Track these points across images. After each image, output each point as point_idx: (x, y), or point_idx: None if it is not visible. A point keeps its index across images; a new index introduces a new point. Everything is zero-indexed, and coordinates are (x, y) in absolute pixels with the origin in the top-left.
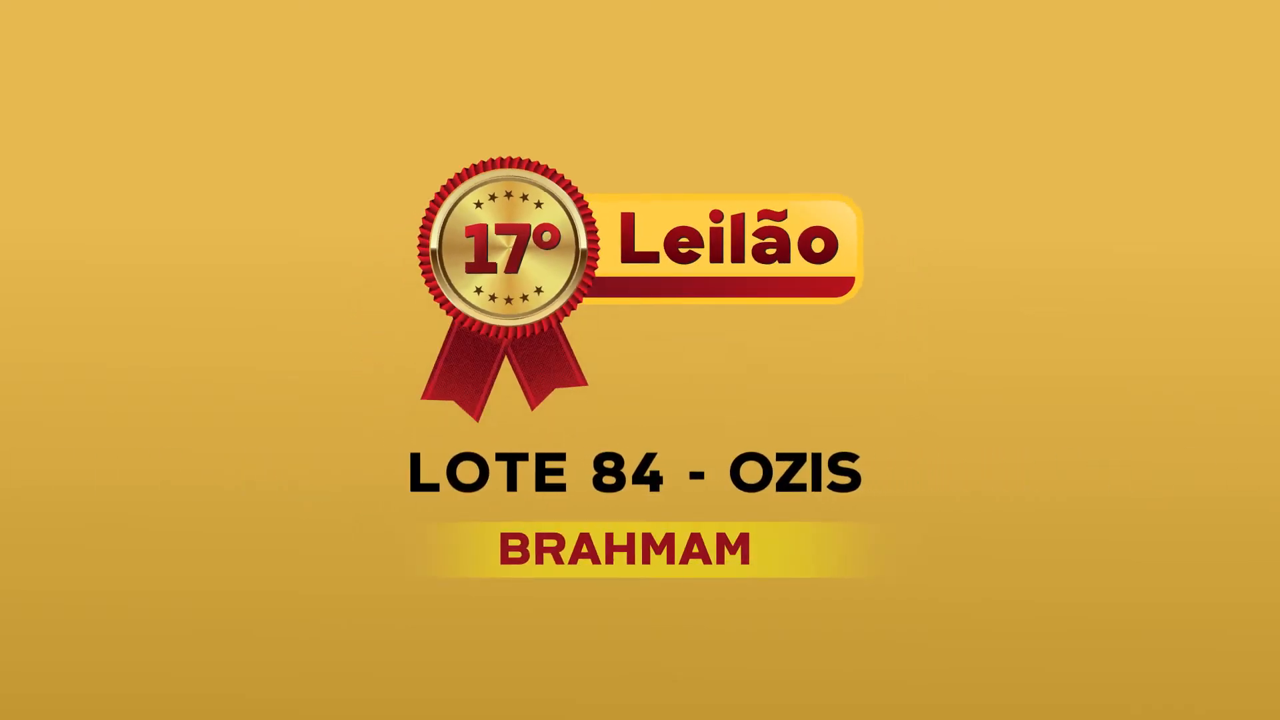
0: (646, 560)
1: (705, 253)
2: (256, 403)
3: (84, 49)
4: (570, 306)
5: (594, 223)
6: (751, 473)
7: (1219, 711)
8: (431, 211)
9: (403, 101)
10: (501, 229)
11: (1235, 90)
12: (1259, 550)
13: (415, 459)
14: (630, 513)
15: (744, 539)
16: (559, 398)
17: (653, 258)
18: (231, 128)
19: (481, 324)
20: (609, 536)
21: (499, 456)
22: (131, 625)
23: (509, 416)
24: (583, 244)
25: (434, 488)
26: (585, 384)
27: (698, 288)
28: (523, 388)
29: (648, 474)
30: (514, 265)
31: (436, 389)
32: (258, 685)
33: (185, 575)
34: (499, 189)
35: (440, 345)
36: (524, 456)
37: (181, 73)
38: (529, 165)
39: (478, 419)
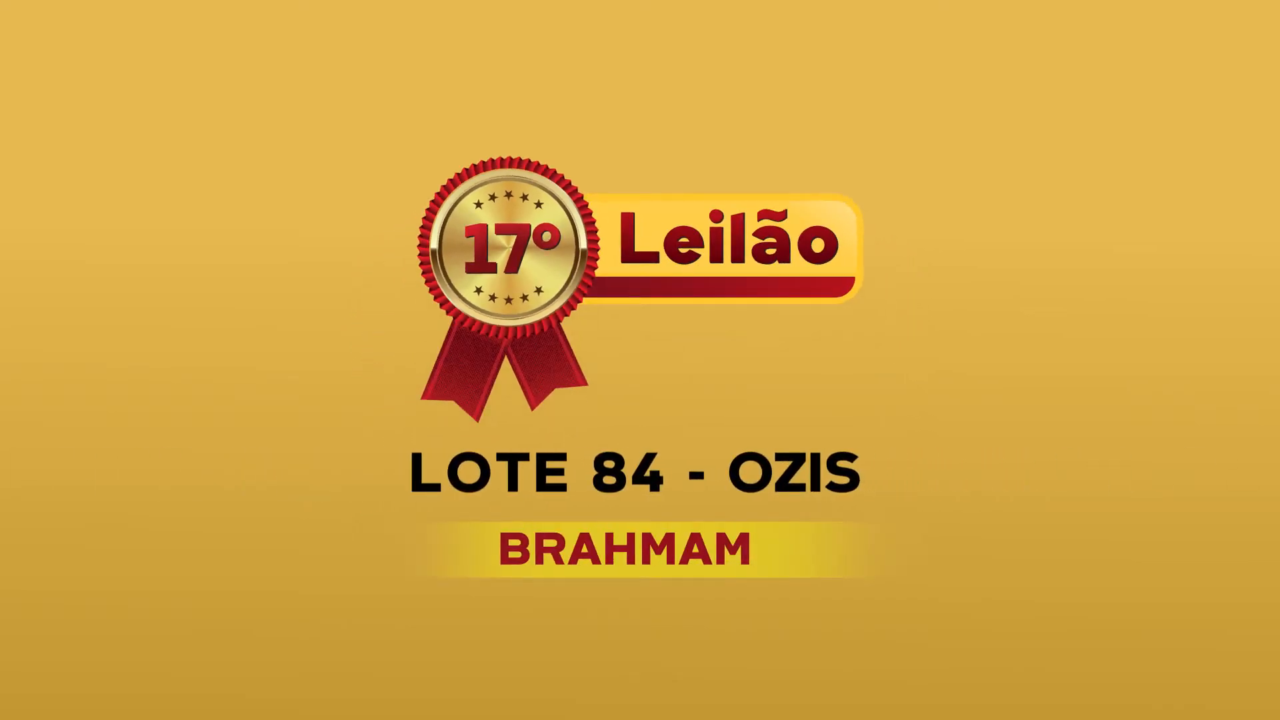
0: (646, 560)
1: (705, 253)
2: (256, 403)
3: (84, 49)
4: (570, 306)
5: (594, 223)
6: (751, 473)
7: (1219, 711)
8: (431, 211)
9: (403, 101)
10: (501, 229)
11: (1235, 90)
12: (1259, 550)
13: (416, 459)
14: (630, 513)
15: (744, 539)
16: (559, 398)
17: (653, 258)
18: (231, 128)
19: (481, 324)
20: (609, 536)
21: (500, 456)
22: (131, 625)
23: (509, 416)
24: (583, 244)
25: (435, 488)
26: (585, 384)
27: (698, 288)
28: (523, 388)
29: (648, 474)
30: (514, 265)
31: (437, 389)
32: (258, 685)
33: (185, 575)
34: (499, 189)
35: (440, 345)
36: (525, 456)
37: (181, 73)
38: (529, 165)
39: (478, 419)
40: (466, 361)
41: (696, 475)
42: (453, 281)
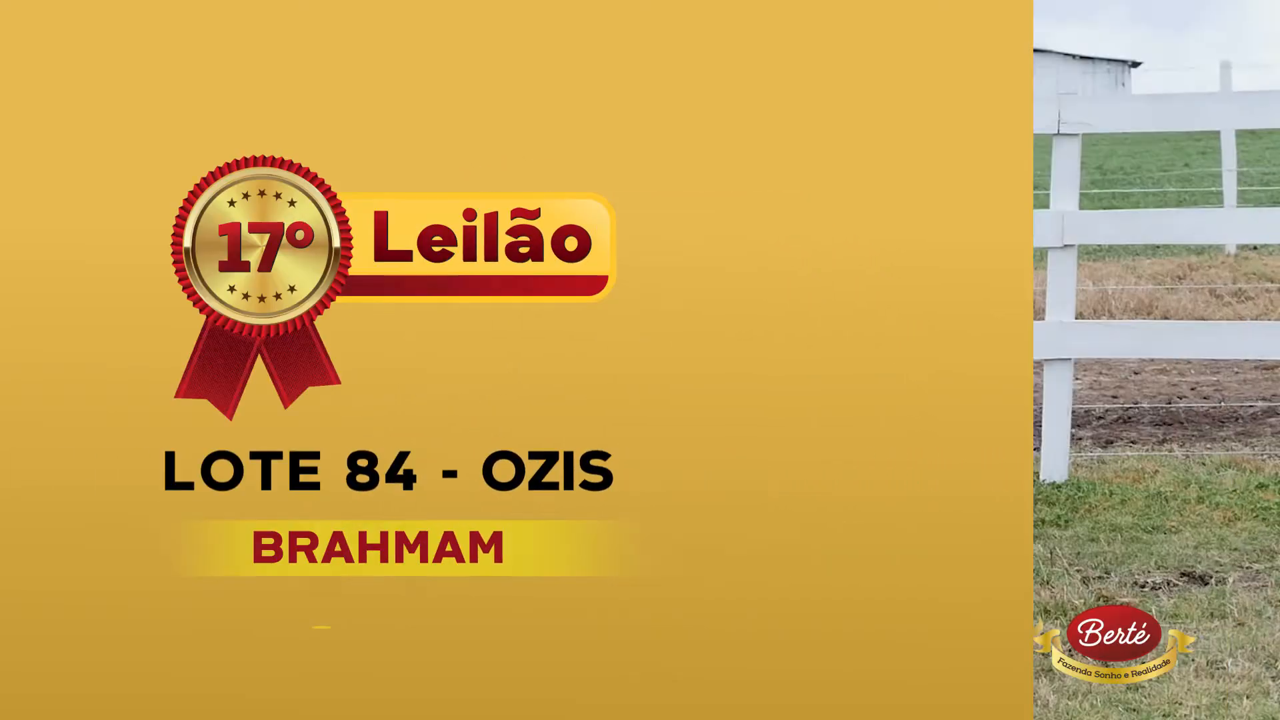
0: (400, 559)
1: (459, 251)
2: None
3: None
4: (323, 305)
5: (347, 221)
6: (504, 471)
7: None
8: (184, 211)
9: (154, 103)
10: (255, 228)
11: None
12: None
13: (170, 457)
14: (384, 511)
15: (497, 537)
16: (312, 396)
17: (406, 256)
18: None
19: (234, 322)
20: (362, 535)
21: (253, 455)
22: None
23: (263, 415)
24: (336, 243)
25: (189, 486)
26: (338, 382)
27: (452, 286)
28: (276, 386)
29: (401, 472)
30: (267, 264)
31: (190, 387)
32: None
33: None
34: (252, 187)
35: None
36: (278, 455)
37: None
38: (281, 164)
39: (231, 417)
40: (220, 360)
41: (450, 474)
42: (206, 280)
